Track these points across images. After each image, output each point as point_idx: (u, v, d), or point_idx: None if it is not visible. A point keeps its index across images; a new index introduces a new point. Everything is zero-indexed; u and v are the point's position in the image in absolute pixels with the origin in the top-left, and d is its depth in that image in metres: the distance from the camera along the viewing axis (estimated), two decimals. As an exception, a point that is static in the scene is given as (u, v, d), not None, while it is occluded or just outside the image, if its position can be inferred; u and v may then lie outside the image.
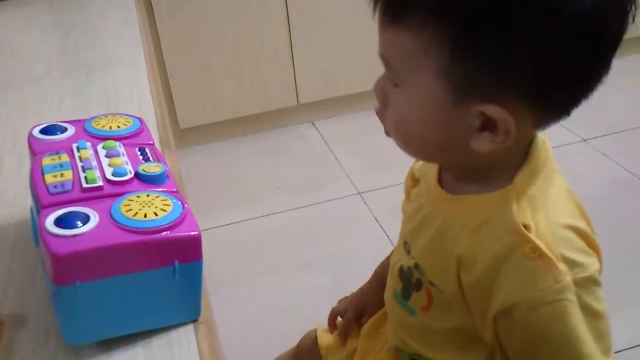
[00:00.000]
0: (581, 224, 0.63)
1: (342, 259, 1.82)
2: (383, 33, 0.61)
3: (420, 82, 0.59)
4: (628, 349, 1.46)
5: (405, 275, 0.72)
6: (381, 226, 1.91)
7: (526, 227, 0.60)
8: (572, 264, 0.60)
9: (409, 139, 0.65)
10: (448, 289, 0.66)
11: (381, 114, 0.65)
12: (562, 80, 0.57)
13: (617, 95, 2.45)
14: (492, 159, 0.62)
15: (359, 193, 2.09)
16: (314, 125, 2.52)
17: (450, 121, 0.60)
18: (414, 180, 0.79)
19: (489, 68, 0.56)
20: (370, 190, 2.08)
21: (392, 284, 0.75)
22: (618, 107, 2.38)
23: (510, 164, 0.63)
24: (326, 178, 2.21)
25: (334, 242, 1.89)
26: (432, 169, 0.72)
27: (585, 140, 2.20)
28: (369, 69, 2.50)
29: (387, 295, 0.78)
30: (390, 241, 1.83)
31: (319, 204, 2.08)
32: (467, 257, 0.63)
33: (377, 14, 0.60)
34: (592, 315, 0.61)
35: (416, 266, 0.70)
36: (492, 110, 0.57)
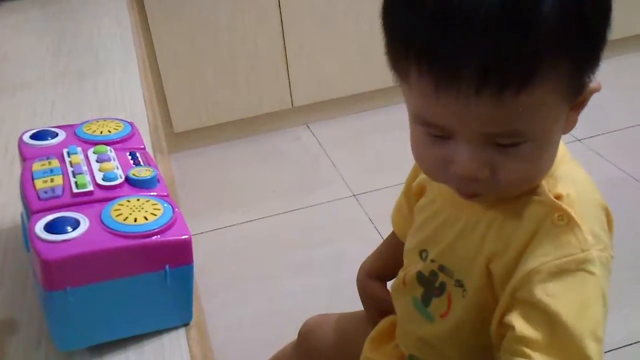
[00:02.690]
0: (608, 207, 0.63)
1: (337, 261, 1.81)
2: (501, 108, 0.53)
3: (552, 121, 0.57)
4: (622, 347, 1.46)
5: (426, 280, 0.72)
6: (376, 228, 1.90)
7: (558, 196, 0.59)
8: (598, 239, 0.59)
9: (538, 176, 0.61)
10: (473, 285, 0.65)
11: (481, 183, 0.59)
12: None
13: (612, 95, 2.45)
14: None
15: (354, 195, 2.09)
16: (308, 127, 2.52)
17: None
18: (419, 191, 0.77)
19: (593, 66, 0.57)
20: (365, 193, 2.08)
21: (409, 291, 0.74)
22: (612, 106, 2.39)
23: None
24: (321, 180, 2.21)
25: (329, 245, 1.89)
26: None
27: (579, 140, 2.20)
28: (363, 71, 2.51)
29: (401, 304, 0.77)
30: (386, 243, 1.82)
31: (314, 206, 2.08)
32: (498, 248, 0.62)
33: (471, 96, 0.52)
34: (604, 305, 0.58)
35: (441, 268, 0.69)
36: (595, 86, 0.59)
